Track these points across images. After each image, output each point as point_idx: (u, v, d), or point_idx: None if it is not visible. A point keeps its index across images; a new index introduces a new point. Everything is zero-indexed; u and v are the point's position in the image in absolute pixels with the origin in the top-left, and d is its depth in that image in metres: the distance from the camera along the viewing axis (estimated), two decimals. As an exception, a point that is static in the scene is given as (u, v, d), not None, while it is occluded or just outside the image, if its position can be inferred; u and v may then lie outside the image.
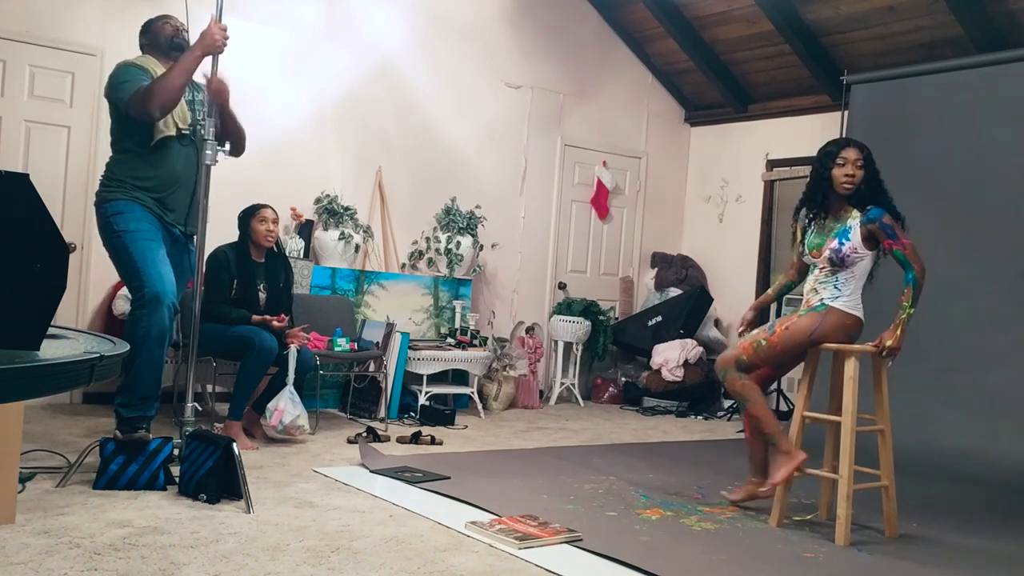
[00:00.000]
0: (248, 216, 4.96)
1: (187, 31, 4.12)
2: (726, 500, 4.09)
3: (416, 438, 5.12)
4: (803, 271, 4.05)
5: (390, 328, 5.96)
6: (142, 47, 4.14)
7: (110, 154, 4.04)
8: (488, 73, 7.17)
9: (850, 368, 3.68)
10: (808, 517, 3.98)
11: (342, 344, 5.51)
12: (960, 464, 5.22)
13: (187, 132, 3.97)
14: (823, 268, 3.84)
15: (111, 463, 3.64)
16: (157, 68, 3.99)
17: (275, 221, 5.00)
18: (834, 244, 3.77)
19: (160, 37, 4.09)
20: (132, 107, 3.86)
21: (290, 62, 6.24)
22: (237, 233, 4.98)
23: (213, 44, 3.85)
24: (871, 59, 6.74)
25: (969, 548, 3.71)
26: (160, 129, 3.92)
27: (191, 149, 3.96)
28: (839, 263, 3.77)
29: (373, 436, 5.07)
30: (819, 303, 3.82)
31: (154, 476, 3.67)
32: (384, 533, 3.30)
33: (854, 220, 3.75)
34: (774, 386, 6.53)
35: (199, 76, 4.01)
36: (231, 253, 4.88)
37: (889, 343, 3.67)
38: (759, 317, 4.25)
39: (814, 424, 3.90)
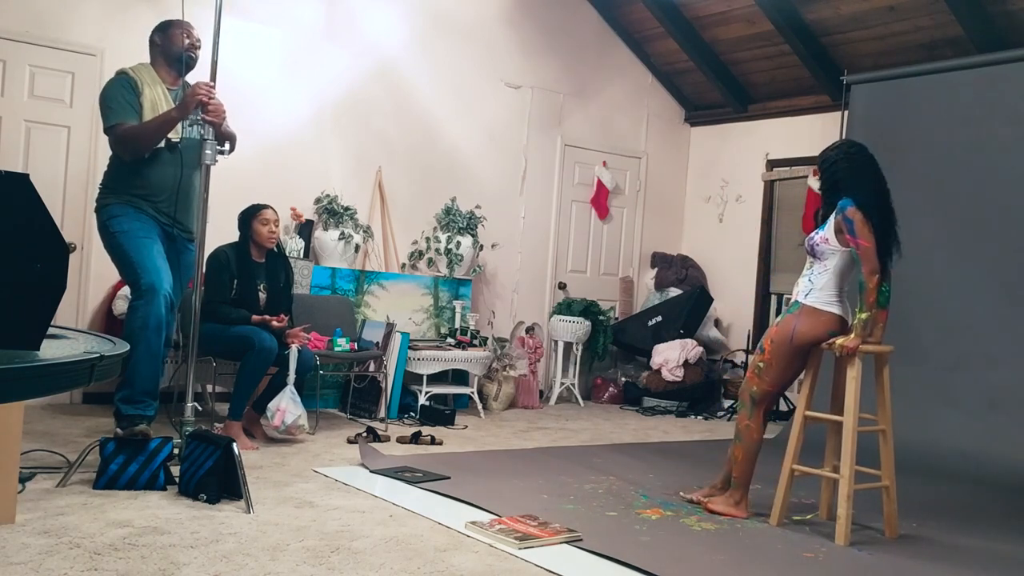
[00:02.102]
0: (249, 217, 4.96)
1: (199, 47, 4.22)
2: (683, 499, 4.12)
3: (416, 438, 5.12)
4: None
5: (390, 328, 5.96)
6: (152, 45, 4.20)
7: (110, 154, 4.14)
8: (488, 73, 7.17)
9: (852, 368, 3.67)
10: (808, 517, 3.98)
11: (342, 344, 5.51)
12: (960, 464, 5.23)
13: (177, 142, 4.09)
14: (807, 261, 3.91)
15: (111, 463, 3.64)
16: (150, 84, 4.07)
17: (276, 221, 5.00)
18: (811, 233, 3.87)
19: (173, 45, 4.16)
20: (109, 139, 4.05)
21: (290, 62, 6.24)
22: (237, 233, 4.98)
23: (196, 102, 3.92)
24: (871, 59, 6.74)
25: (969, 548, 3.71)
26: None
27: (179, 156, 4.09)
28: (811, 252, 3.84)
29: (373, 436, 5.07)
30: (794, 302, 3.87)
31: (154, 476, 3.67)
32: (384, 533, 3.30)
33: (834, 211, 3.79)
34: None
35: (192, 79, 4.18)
36: (231, 253, 4.88)
37: (840, 342, 3.66)
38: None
39: (815, 424, 3.90)
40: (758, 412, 3.91)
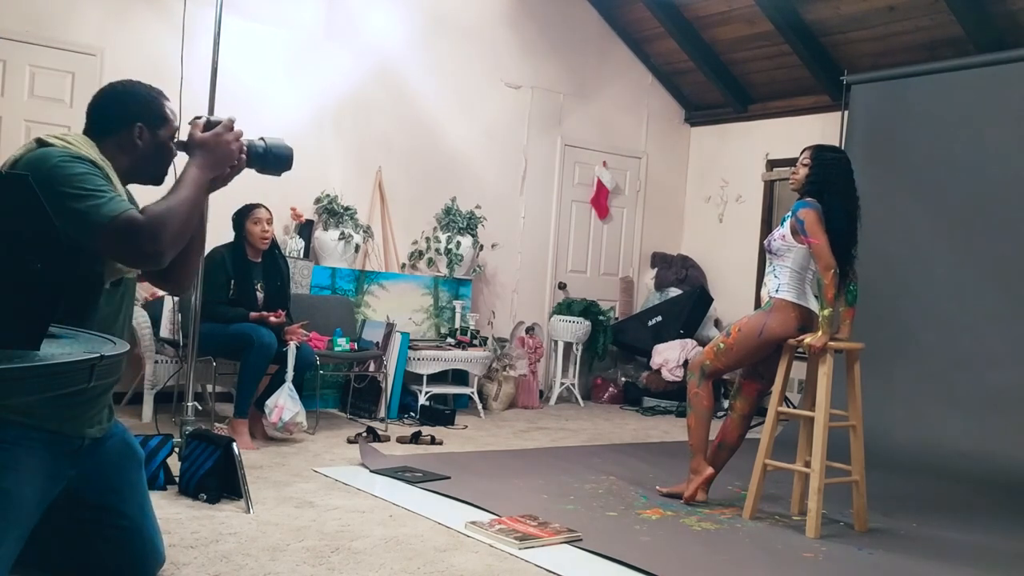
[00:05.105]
0: (242, 217, 4.95)
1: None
2: (660, 492, 4.22)
3: (416, 438, 5.12)
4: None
5: (390, 328, 5.96)
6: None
7: None
8: (488, 73, 7.17)
9: (824, 365, 3.73)
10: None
11: (342, 344, 5.51)
12: (960, 464, 5.22)
13: None
14: (768, 260, 4.02)
15: (111, 463, 3.64)
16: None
17: (269, 221, 4.99)
18: (772, 232, 3.99)
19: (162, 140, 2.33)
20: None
21: (290, 62, 6.24)
22: (232, 234, 4.98)
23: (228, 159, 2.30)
24: (871, 59, 6.73)
25: (971, 546, 3.71)
26: None
27: None
28: (768, 249, 3.96)
29: (373, 436, 5.07)
30: (767, 299, 3.97)
31: (154, 476, 3.66)
32: (384, 533, 3.30)
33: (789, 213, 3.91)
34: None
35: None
36: (227, 254, 4.87)
37: (808, 341, 3.73)
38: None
39: (794, 421, 3.94)
40: (707, 383, 4.06)
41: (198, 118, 2.29)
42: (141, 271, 2.33)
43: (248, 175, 2.42)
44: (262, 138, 2.37)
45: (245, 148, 2.30)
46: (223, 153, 2.24)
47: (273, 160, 2.36)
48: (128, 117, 2.24)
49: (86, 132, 2.25)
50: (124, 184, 2.25)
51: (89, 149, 2.16)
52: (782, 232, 3.88)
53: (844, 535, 3.76)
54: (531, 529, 3.38)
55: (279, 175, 2.44)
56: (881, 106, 6.46)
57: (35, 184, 1.96)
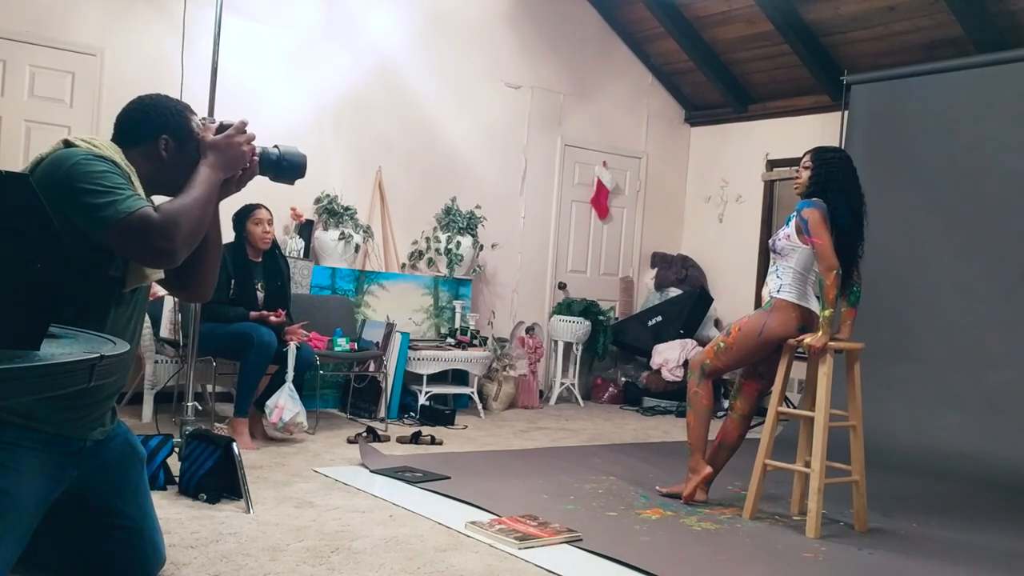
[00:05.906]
0: (243, 218, 4.95)
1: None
2: (659, 492, 4.22)
3: (416, 438, 5.12)
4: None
5: (390, 328, 5.96)
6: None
7: None
8: (488, 73, 7.17)
9: (824, 365, 3.73)
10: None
11: (342, 344, 5.51)
12: (960, 464, 5.22)
13: None
14: (771, 259, 4.03)
15: (111, 463, 3.64)
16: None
17: (270, 221, 5.00)
18: (776, 231, 4.00)
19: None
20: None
21: (290, 62, 6.24)
22: (233, 234, 4.98)
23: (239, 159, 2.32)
24: (871, 59, 6.73)
25: (970, 546, 3.71)
26: None
27: None
28: (773, 249, 3.96)
29: (373, 436, 5.07)
30: (767, 299, 3.98)
31: (154, 476, 3.66)
32: (384, 533, 3.30)
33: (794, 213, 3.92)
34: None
35: None
36: (227, 254, 4.86)
37: (808, 341, 3.74)
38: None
39: (794, 421, 3.93)
40: (707, 382, 4.07)
41: (211, 121, 2.34)
42: (158, 278, 2.36)
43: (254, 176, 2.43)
44: (276, 145, 2.40)
45: (257, 152, 2.34)
46: (234, 155, 2.28)
47: (287, 167, 2.40)
48: (155, 129, 2.28)
49: (113, 141, 2.29)
50: (147, 194, 2.27)
51: (113, 153, 2.20)
52: (787, 232, 3.88)
53: (844, 535, 3.76)
54: (531, 529, 3.38)
55: (292, 183, 2.45)
56: (881, 106, 6.46)
57: (54, 180, 2.03)
